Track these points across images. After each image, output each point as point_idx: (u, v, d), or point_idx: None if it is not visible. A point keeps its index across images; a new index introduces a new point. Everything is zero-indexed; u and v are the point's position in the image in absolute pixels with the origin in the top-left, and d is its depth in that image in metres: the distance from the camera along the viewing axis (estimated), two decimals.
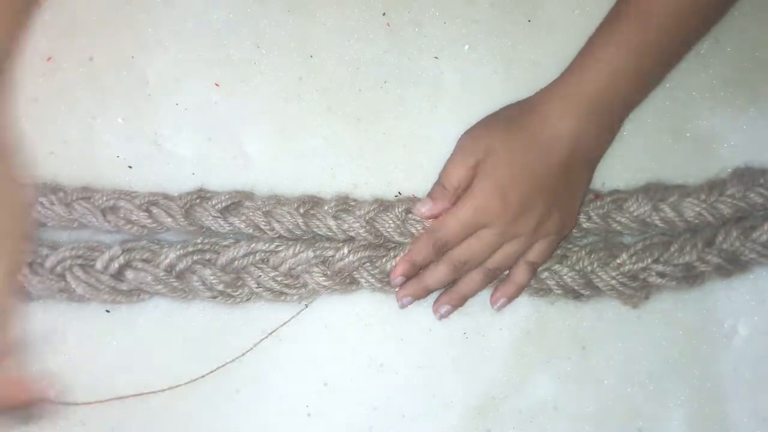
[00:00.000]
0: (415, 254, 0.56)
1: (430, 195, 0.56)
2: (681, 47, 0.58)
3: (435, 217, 0.56)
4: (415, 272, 0.57)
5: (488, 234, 0.54)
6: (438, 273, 0.56)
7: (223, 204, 0.58)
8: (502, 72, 0.60)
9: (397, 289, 0.58)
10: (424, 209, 0.56)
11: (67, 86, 0.61)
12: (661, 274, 0.58)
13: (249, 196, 0.59)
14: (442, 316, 0.58)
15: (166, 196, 0.58)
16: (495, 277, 0.57)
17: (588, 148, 0.55)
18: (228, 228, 0.58)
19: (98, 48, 0.61)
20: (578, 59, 0.56)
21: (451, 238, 0.55)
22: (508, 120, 0.56)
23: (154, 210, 0.58)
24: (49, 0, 0.61)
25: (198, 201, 0.58)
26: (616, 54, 0.54)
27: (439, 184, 0.56)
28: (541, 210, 0.54)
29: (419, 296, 0.57)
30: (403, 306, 0.58)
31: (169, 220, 0.58)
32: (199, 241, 0.58)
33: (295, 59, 0.61)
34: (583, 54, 0.56)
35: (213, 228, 0.58)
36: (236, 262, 0.57)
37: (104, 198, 0.58)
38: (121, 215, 0.58)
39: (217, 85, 0.61)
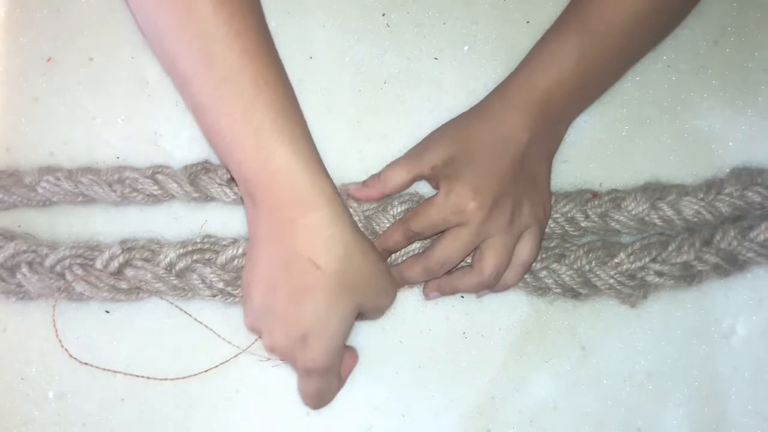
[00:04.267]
0: (386, 239, 0.57)
1: (366, 180, 0.59)
2: (626, 57, 0.59)
3: (359, 197, 0.59)
4: (386, 258, 0.58)
5: (463, 234, 0.54)
6: (413, 271, 0.57)
7: (229, 174, 0.58)
8: (501, 72, 0.60)
9: None
10: (353, 188, 0.59)
11: (67, 86, 0.61)
12: (659, 273, 0.58)
13: None
14: (429, 299, 0.59)
15: (170, 167, 0.59)
16: (493, 285, 0.57)
17: (539, 144, 0.56)
18: (233, 197, 0.58)
19: (98, 48, 0.61)
20: (525, 63, 0.58)
21: (422, 231, 0.56)
22: (460, 129, 0.57)
23: (160, 177, 0.58)
24: (49, 0, 0.62)
25: (203, 171, 0.59)
26: (561, 59, 0.56)
27: (377, 175, 0.58)
28: (511, 203, 0.55)
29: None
30: None
31: (175, 185, 0.58)
32: (198, 240, 0.58)
33: (295, 60, 0.61)
34: (528, 58, 0.58)
35: (217, 197, 0.58)
36: (236, 260, 0.57)
37: (109, 173, 0.58)
38: (127, 184, 0.58)
39: None
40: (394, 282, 0.55)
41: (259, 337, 0.55)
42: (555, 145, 0.59)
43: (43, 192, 0.58)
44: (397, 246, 0.57)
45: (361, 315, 0.55)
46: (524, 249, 0.56)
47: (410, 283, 0.59)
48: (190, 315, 0.59)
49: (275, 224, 0.50)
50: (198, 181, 0.58)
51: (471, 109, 0.58)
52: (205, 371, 0.58)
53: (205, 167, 0.59)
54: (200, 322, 0.58)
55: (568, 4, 0.58)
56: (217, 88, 0.50)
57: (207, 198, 0.59)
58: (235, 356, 0.58)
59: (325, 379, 0.54)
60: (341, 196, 0.52)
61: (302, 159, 0.50)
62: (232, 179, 0.58)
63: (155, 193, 0.58)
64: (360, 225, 0.58)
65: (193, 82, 0.50)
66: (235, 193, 0.58)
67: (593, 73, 0.57)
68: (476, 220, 0.54)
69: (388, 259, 0.58)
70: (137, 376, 0.58)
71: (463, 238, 0.55)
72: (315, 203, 0.50)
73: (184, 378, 0.58)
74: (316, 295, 0.50)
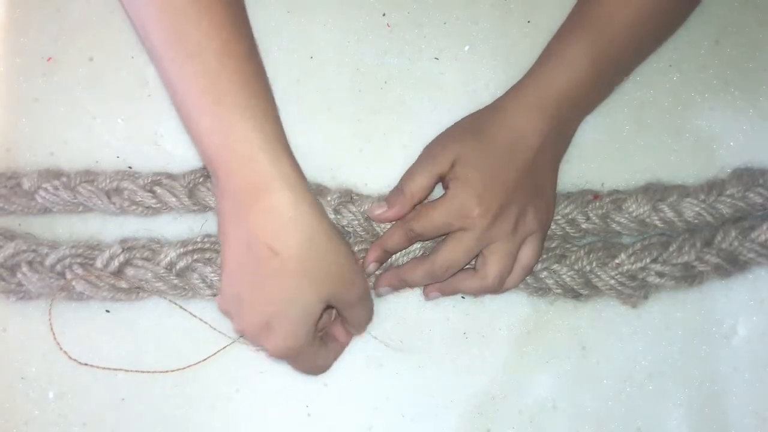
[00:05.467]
0: (387, 240, 0.57)
1: (387, 198, 0.57)
2: (635, 56, 0.59)
3: (387, 220, 0.57)
4: (386, 258, 0.58)
5: (466, 238, 0.54)
6: (416, 275, 0.56)
7: None
8: (502, 72, 0.60)
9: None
10: (378, 212, 0.57)
11: (67, 86, 0.61)
12: (660, 274, 0.58)
13: None
14: (430, 299, 0.59)
15: (170, 176, 0.59)
16: (497, 290, 0.57)
17: (549, 150, 0.56)
18: None
19: (98, 48, 0.61)
20: (537, 65, 0.58)
21: (424, 232, 0.55)
22: (473, 128, 0.57)
23: (158, 190, 0.58)
24: (50, 0, 0.62)
25: (202, 180, 0.58)
26: (572, 61, 0.56)
27: (399, 188, 0.57)
28: (516, 210, 0.54)
29: (397, 288, 0.58)
30: (379, 295, 0.59)
31: (173, 199, 0.58)
32: (199, 239, 0.58)
33: (295, 60, 0.61)
34: (541, 60, 0.58)
35: (215, 207, 0.58)
36: None
37: (108, 180, 0.58)
38: (126, 196, 0.58)
39: None
40: (362, 274, 0.55)
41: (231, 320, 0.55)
42: (563, 149, 0.59)
43: (42, 202, 0.58)
44: (398, 246, 0.57)
45: (340, 314, 0.55)
46: (527, 253, 0.56)
47: (412, 286, 0.59)
48: (190, 313, 0.59)
49: (236, 207, 0.50)
50: (197, 192, 0.58)
51: (483, 109, 0.58)
52: (203, 360, 0.58)
53: (204, 174, 0.59)
54: (200, 319, 0.58)
55: (576, 5, 0.58)
56: (183, 65, 0.50)
57: (206, 209, 0.59)
58: (229, 344, 0.58)
59: (299, 360, 0.53)
60: (306, 180, 0.51)
61: (263, 137, 0.50)
62: None
63: (154, 206, 0.58)
64: (360, 227, 0.58)
65: (163, 59, 0.51)
66: None
67: (606, 72, 0.57)
68: (480, 226, 0.54)
69: (389, 260, 0.58)
70: (136, 371, 0.58)
71: (467, 242, 0.54)
72: (274, 184, 0.49)
73: (180, 369, 0.58)
74: (277, 282, 0.49)
